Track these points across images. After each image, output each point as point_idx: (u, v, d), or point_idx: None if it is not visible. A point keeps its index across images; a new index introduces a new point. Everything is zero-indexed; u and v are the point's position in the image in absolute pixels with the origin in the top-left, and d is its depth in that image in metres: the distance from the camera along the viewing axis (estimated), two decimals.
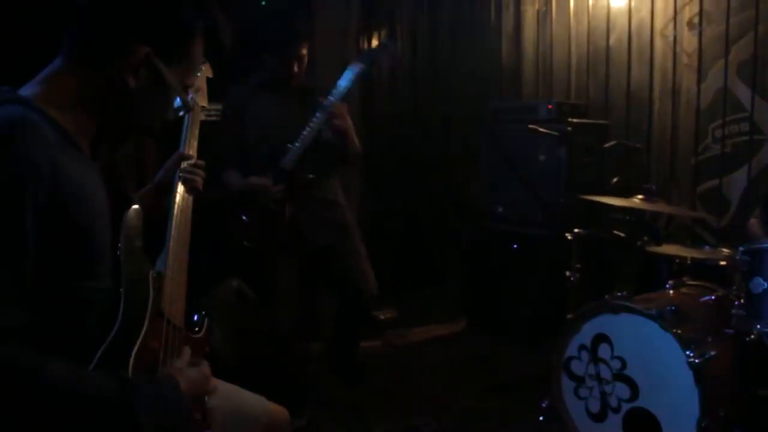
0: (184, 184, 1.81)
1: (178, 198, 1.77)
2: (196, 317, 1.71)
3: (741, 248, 2.70)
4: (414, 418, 3.20)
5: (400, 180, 4.10)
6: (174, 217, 1.73)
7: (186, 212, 1.78)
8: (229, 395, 1.76)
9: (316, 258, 3.39)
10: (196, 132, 1.98)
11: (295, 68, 3.18)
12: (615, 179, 4.13)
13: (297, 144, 3.14)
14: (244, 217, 3.24)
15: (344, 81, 3.16)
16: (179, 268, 1.64)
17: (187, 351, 1.53)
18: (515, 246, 4.26)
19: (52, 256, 1.23)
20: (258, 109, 3.26)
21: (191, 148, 1.94)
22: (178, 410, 1.34)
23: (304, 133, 3.13)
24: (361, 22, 5.16)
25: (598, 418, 2.81)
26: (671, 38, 4.31)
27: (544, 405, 3.08)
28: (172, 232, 1.68)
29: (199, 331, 1.69)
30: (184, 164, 1.86)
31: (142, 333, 1.39)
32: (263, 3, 4.70)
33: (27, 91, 1.33)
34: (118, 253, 1.42)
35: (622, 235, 3.46)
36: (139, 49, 1.34)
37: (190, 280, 1.69)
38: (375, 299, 3.54)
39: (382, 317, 4.46)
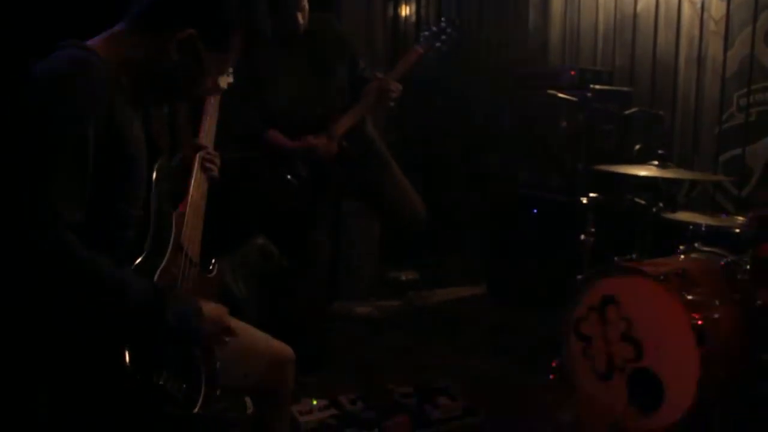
0: (202, 171, 2.00)
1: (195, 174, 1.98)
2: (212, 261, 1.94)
3: (749, 215, 2.74)
4: (424, 376, 3.30)
5: (424, 145, 4.17)
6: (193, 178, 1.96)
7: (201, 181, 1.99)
8: (237, 329, 1.88)
9: (363, 198, 3.51)
10: (215, 119, 2.12)
11: (300, 20, 3.19)
12: (637, 146, 4.15)
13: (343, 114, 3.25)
14: (289, 177, 3.28)
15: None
16: (196, 213, 1.88)
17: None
18: (534, 211, 4.32)
19: (103, 178, 1.43)
20: (275, 70, 3.24)
21: (209, 135, 2.09)
22: (197, 326, 1.54)
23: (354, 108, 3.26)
24: None
25: (605, 377, 2.87)
26: (699, 4, 4.27)
27: (554, 365, 3.17)
28: (191, 190, 1.92)
29: (212, 271, 1.91)
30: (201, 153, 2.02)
31: (166, 258, 1.62)
32: None
33: (89, 43, 1.53)
34: (151, 191, 1.64)
35: (641, 201, 3.50)
36: (186, 27, 1.53)
37: (219, 237, 1.92)
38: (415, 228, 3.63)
39: (403, 278, 4.56)
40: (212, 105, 2.13)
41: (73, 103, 1.39)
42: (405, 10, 5.45)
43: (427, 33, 3.42)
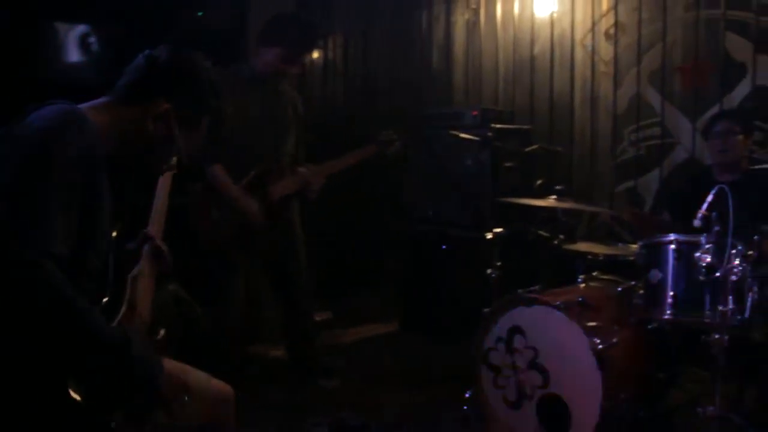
0: (151, 262, 1.98)
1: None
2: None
3: (639, 243, 2.92)
4: (342, 413, 3.31)
5: (335, 184, 4.23)
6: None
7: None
8: (177, 366, 1.88)
9: (267, 265, 3.62)
10: (166, 200, 2.13)
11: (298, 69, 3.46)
12: (539, 182, 4.35)
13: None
14: (214, 212, 3.33)
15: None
16: (149, 277, 1.91)
17: None
18: (444, 247, 4.44)
19: (79, 225, 1.47)
20: (247, 104, 3.32)
21: (158, 217, 2.10)
22: (158, 378, 1.56)
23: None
24: None
25: (515, 405, 2.97)
26: (590, 48, 4.55)
27: (467, 396, 3.24)
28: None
29: (159, 334, 1.93)
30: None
31: (120, 314, 1.66)
32: (200, 14, 4.81)
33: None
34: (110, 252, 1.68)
35: (544, 234, 3.66)
36: (163, 103, 1.66)
37: None
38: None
39: (317, 318, 4.57)
40: (163, 187, 2.12)
41: (72, 147, 1.46)
42: (311, 54, 5.55)
43: (382, 137, 3.71)
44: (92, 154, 1.51)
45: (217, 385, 2.01)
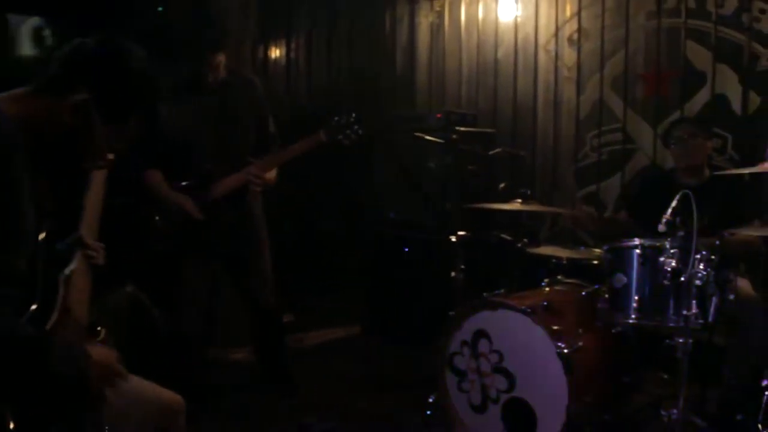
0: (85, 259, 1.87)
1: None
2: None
3: (605, 246, 2.93)
4: (306, 417, 3.26)
5: (297, 187, 4.18)
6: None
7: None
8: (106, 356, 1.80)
9: (226, 265, 3.49)
10: (101, 197, 2.00)
11: (219, 71, 3.27)
12: (502, 185, 4.35)
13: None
14: (157, 219, 3.28)
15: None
16: (83, 276, 1.78)
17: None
18: (406, 249, 4.41)
19: None
20: (178, 110, 3.21)
21: (91, 214, 1.96)
22: (85, 369, 1.47)
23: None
24: (258, 31, 5.20)
25: (480, 409, 2.95)
26: (553, 53, 4.58)
27: (431, 400, 3.21)
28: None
29: (100, 334, 1.81)
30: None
31: (53, 320, 1.54)
32: (160, 9, 4.70)
33: None
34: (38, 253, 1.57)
35: (507, 237, 3.66)
36: (82, 92, 1.51)
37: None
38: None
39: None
40: (97, 183, 1.99)
41: None
42: (275, 53, 5.47)
43: (333, 122, 3.32)
44: (4, 146, 1.40)
45: (167, 395, 1.95)
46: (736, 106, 3.92)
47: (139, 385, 1.88)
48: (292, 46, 5.60)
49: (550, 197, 4.50)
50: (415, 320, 4.28)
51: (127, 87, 1.58)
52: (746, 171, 3.09)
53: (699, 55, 4.03)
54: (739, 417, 2.87)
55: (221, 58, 3.26)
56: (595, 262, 3.37)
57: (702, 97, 4.01)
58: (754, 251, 3.17)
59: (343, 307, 4.89)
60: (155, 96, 1.64)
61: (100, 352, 1.57)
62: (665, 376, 3.28)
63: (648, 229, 3.35)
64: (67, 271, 1.72)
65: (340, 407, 3.49)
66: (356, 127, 3.31)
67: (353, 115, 3.33)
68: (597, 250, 3.52)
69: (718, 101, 3.96)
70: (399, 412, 3.41)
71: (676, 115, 4.05)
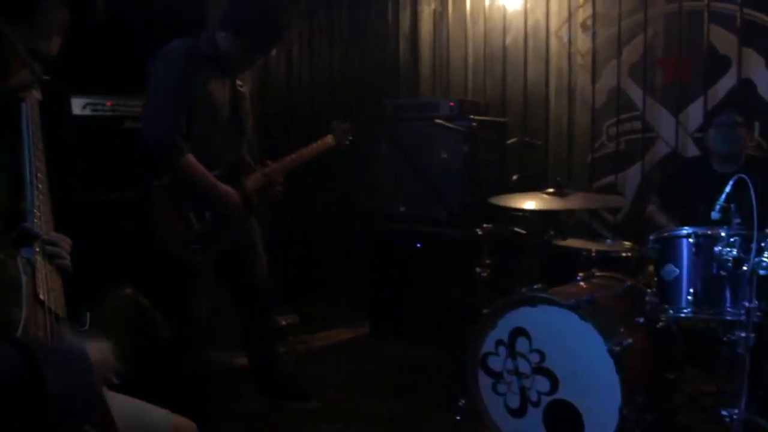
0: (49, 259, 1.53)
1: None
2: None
3: (651, 237, 2.75)
4: (324, 427, 3.05)
5: (299, 183, 3.94)
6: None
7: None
8: (133, 408, 1.67)
9: (228, 259, 3.16)
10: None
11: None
12: (515, 176, 4.16)
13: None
14: (191, 215, 2.91)
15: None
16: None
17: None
18: (419, 245, 4.19)
19: None
20: (207, 86, 2.92)
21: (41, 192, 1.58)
22: (88, 380, 1.22)
23: None
24: None
25: (518, 413, 2.76)
26: (566, 39, 4.40)
27: (461, 404, 3.01)
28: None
29: (85, 324, 1.57)
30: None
31: (23, 316, 1.32)
32: None
33: None
34: None
35: (521, 231, 3.47)
36: None
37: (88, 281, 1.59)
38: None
39: (283, 323, 4.27)
40: (33, 121, 1.56)
41: None
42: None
43: (343, 126, 3.49)
44: None
45: (179, 421, 1.77)
46: (763, 91, 3.77)
47: (151, 411, 1.72)
48: (293, 36, 5.35)
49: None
50: (429, 319, 4.07)
51: None
52: None
53: (723, 39, 3.87)
54: None
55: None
56: (628, 254, 3.21)
57: (726, 82, 3.86)
58: None
59: (349, 307, 4.66)
60: None
61: (95, 349, 1.33)
62: (696, 373, 3.12)
63: (687, 216, 3.21)
64: (24, 253, 1.44)
65: (356, 414, 3.25)
66: (350, 135, 3.53)
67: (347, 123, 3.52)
68: (625, 243, 3.36)
69: (744, 86, 3.81)
70: (423, 417, 3.20)
71: (698, 102, 3.90)
